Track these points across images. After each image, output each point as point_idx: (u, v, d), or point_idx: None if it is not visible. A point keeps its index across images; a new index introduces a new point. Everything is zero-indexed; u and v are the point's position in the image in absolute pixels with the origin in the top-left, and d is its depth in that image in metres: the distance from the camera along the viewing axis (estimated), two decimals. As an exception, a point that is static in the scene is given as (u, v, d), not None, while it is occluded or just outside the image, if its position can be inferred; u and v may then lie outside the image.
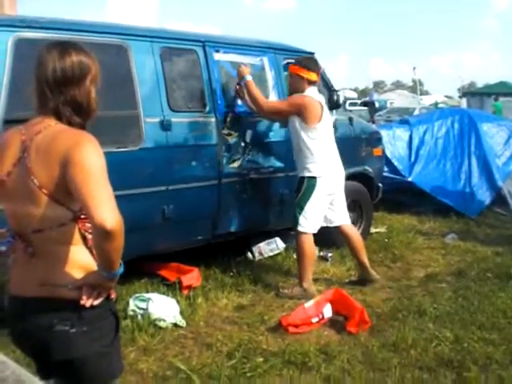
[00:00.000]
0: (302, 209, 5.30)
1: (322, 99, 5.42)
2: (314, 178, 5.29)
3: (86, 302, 2.08)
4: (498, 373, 3.86)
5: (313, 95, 5.33)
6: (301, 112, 5.25)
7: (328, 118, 5.45)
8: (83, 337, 2.12)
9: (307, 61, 5.49)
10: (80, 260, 2.13)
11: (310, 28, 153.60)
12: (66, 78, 2.12)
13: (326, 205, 5.44)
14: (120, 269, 2.09)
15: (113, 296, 2.22)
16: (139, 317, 4.62)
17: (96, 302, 2.10)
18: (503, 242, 7.33)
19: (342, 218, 5.61)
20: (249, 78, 5.41)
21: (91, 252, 2.14)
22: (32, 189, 2.07)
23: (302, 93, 5.35)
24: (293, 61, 5.71)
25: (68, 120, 2.14)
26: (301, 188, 5.32)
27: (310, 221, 5.33)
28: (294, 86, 5.43)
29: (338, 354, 4.10)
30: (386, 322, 4.71)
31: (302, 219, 5.30)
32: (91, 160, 2.00)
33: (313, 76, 5.36)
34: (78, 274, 2.10)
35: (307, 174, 5.31)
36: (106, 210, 1.92)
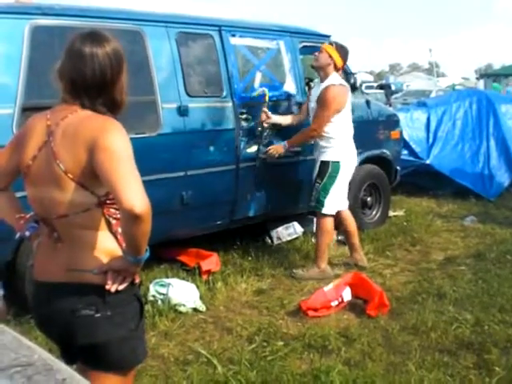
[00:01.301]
0: (327, 192, 5.37)
1: (345, 83, 5.51)
2: (338, 162, 5.37)
3: (111, 286, 2.09)
4: (519, 356, 3.83)
5: (338, 81, 5.37)
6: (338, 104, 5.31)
7: (349, 103, 5.49)
8: (108, 321, 2.13)
9: (341, 46, 5.47)
10: (105, 245, 2.13)
11: (325, 11, 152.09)
12: (105, 81, 2.12)
13: (345, 188, 5.52)
14: (146, 254, 2.09)
15: (137, 281, 2.22)
16: (159, 302, 4.65)
17: (121, 287, 2.11)
18: (522, 224, 7.25)
19: (346, 203, 5.68)
20: (284, 149, 5.48)
21: (116, 237, 2.15)
22: (57, 173, 2.07)
23: (326, 77, 5.37)
24: (308, 44, 5.70)
25: (92, 108, 2.14)
26: (325, 172, 5.39)
27: (333, 203, 5.43)
28: (320, 62, 5.39)
29: (358, 338, 4.11)
30: (406, 305, 4.70)
31: (327, 201, 5.38)
32: (119, 145, 2.00)
33: (340, 62, 5.38)
34: (103, 259, 2.12)
35: (331, 159, 5.38)
36: (135, 195, 1.92)
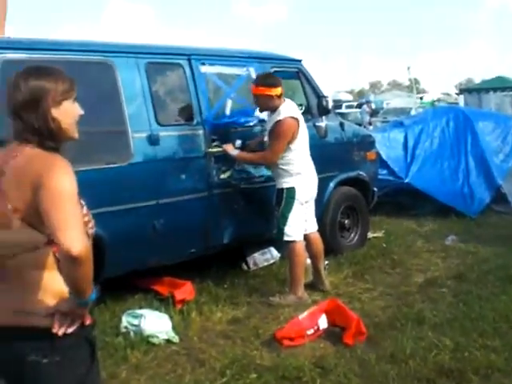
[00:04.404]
0: (286, 219, 5.33)
1: (296, 111, 5.40)
2: (293, 187, 5.33)
3: (58, 330, 2.04)
4: (500, 381, 3.77)
5: (289, 112, 5.28)
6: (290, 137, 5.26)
7: (304, 130, 5.43)
8: (56, 367, 2.06)
9: (269, 78, 5.39)
10: (53, 286, 2.08)
11: (303, 34, 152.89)
12: (22, 104, 2.10)
13: (304, 212, 5.48)
14: (92, 295, 2.05)
15: (88, 322, 2.16)
16: (132, 334, 4.57)
17: (69, 331, 2.05)
18: (505, 242, 7.20)
19: (312, 225, 5.66)
20: (234, 152, 5.39)
21: None
22: (5, 213, 2.05)
23: (275, 109, 5.31)
24: (279, 69, 5.68)
25: (38, 145, 2.11)
26: (281, 200, 5.36)
27: (295, 229, 5.38)
28: (265, 106, 5.40)
29: (333, 368, 4.01)
30: (384, 332, 4.60)
31: (287, 229, 5.35)
32: (61, 185, 1.98)
33: (279, 90, 5.28)
34: (51, 301, 2.06)
35: (285, 186, 5.35)
36: (73, 236, 1.90)
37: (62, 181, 1.99)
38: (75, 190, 2.01)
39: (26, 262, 2.06)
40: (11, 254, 2.06)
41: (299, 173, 5.35)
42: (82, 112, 2.22)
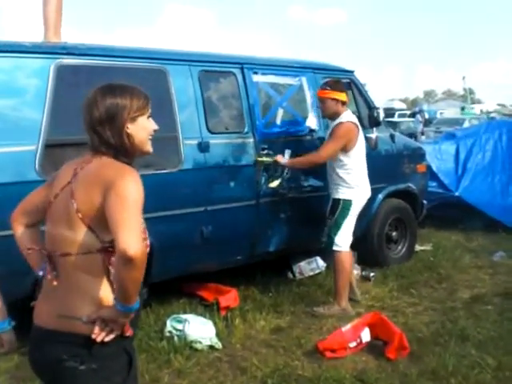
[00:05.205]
0: (338, 229, 5.37)
1: (356, 120, 5.49)
2: (350, 200, 5.37)
3: (98, 336, 2.08)
4: (543, 404, 3.71)
5: (351, 118, 5.39)
6: (347, 141, 5.31)
7: (362, 140, 5.49)
8: (92, 375, 2.11)
9: (336, 83, 5.50)
10: (99, 293, 2.13)
11: (360, 39, 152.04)
12: (99, 120, 2.19)
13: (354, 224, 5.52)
14: (136, 304, 2.09)
15: (128, 334, 2.19)
16: (175, 338, 4.64)
17: (107, 339, 2.09)
18: (555, 260, 7.03)
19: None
20: (284, 161, 5.42)
21: (112, 287, 2.14)
22: (70, 211, 2.13)
23: (337, 116, 5.37)
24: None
25: (113, 157, 2.21)
26: (336, 209, 5.40)
27: (344, 239, 5.41)
28: (329, 111, 5.44)
29: (374, 382, 4.01)
30: (427, 347, 4.57)
31: (338, 239, 5.38)
32: (129, 191, 2.05)
33: (344, 96, 5.40)
34: (93, 308, 2.11)
35: (342, 197, 5.39)
36: (132, 238, 1.96)
37: (130, 187, 2.06)
38: (141, 198, 2.07)
39: (78, 264, 2.13)
40: (65, 253, 2.13)
41: (358, 185, 5.40)
42: (156, 127, 2.30)
